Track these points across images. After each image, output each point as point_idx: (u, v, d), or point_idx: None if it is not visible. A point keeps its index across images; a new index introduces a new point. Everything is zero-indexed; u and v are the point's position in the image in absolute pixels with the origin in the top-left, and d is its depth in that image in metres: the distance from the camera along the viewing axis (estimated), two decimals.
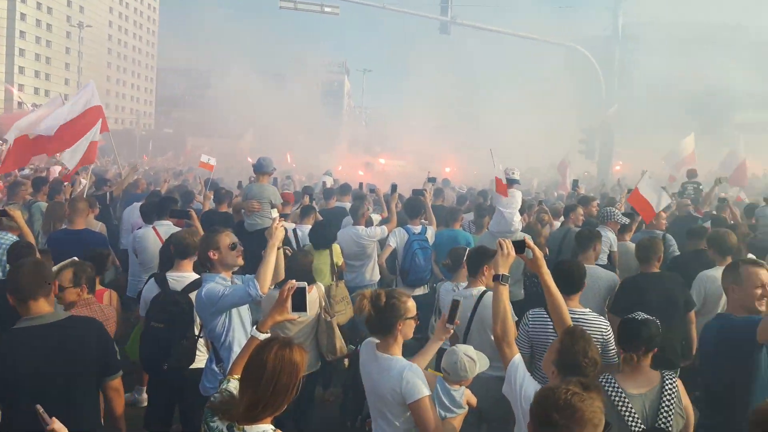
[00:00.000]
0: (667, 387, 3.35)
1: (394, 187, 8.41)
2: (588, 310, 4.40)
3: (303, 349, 2.59)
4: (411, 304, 3.45)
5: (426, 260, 7.17)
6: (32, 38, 77.73)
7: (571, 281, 4.35)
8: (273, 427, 2.54)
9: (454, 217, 8.00)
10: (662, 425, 3.23)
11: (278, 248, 4.21)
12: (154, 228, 7.06)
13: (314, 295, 5.15)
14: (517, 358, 3.25)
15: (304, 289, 3.23)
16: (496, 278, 3.39)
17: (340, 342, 5.13)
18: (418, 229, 7.40)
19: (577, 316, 4.07)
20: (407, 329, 3.43)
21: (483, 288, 4.85)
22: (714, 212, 9.41)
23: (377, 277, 7.76)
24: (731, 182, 14.05)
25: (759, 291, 3.64)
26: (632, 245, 6.76)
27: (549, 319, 4.07)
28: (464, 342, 4.74)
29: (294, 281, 3.35)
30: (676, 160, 15.86)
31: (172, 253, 5.10)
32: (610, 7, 23.14)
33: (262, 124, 34.51)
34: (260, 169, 7.97)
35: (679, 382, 3.42)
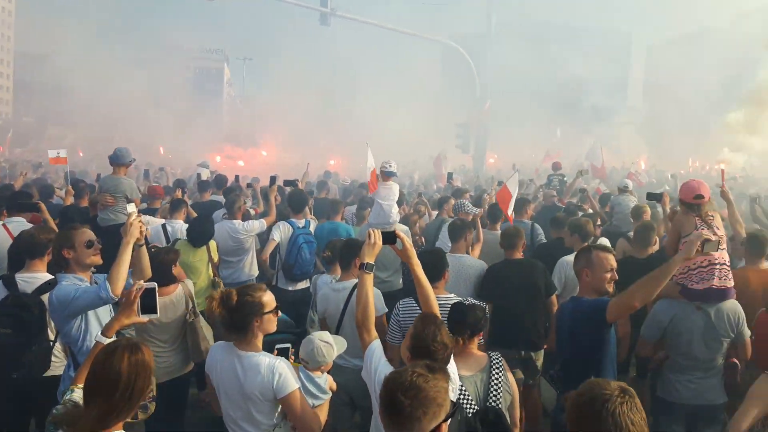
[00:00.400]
0: (494, 367, 3.57)
1: (273, 179, 8.21)
2: (453, 295, 4.57)
3: (148, 347, 2.48)
4: (267, 298, 3.35)
5: (311, 254, 7.03)
6: None
7: (432, 270, 4.43)
8: None
9: (335, 209, 7.99)
10: (492, 403, 3.43)
11: (140, 246, 3.98)
12: (4, 225, 6.43)
13: (179, 294, 4.82)
14: (375, 343, 3.25)
15: (154, 289, 3.11)
16: (361, 266, 3.41)
17: (205, 343, 4.83)
18: (302, 222, 7.24)
19: (442, 302, 4.17)
20: (267, 325, 3.35)
21: (355, 280, 4.85)
22: (577, 202, 10.15)
23: (256, 272, 7.56)
24: (594, 174, 15.19)
25: (608, 275, 3.95)
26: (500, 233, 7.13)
27: (418, 308, 4.13)
28: (337, 334, 4.75)
29: (142, 282, 3.21)
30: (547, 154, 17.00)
31: (23, 252, 4.63)
32: (483, 6, 24.15)
33: (134, 112, 32.50)
34: (116, 160, 7.26)
35: (503, 361, 3.66)
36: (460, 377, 3.40)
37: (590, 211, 9.08)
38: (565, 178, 14.44)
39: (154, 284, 3.11)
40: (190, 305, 4.87)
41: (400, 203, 8.26)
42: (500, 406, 3.45)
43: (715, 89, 28.44)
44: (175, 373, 4.84)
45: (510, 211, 7.79)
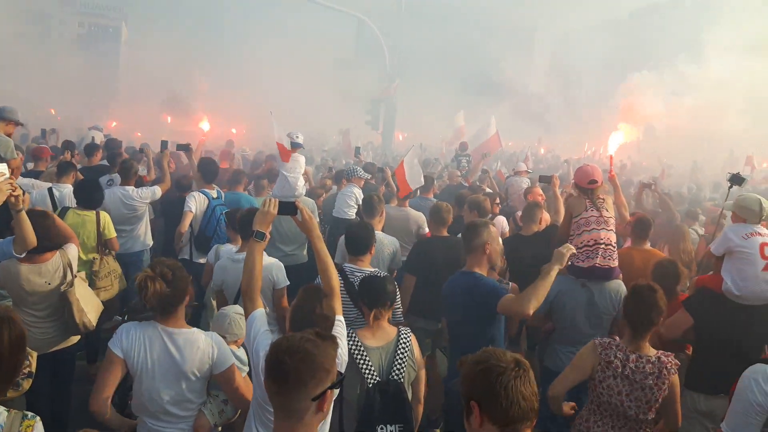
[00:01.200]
0: (402, 341, 3.61)
1: (164, 144, 7.83)
2: (377, 270, 4.62)
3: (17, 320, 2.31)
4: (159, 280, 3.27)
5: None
6: None
7: (360, 243, 4.56)
8: (5, 408, 2.25)
9: (237, 179, 7.76)
10: (395, 377, 3.47)
11: (18, 211, 3.73)
12: None
13: (56, 263, 4.46)
14: (256, 312, 3.17)
15: None
16: (252, 234, 3.31)
17: (81, 315, 4.49)
18: (214, 192, 7.04)
19: (366, 274, 4.23)
20: (188, 298, 3.34)
21: None
22: (478, 182, 10.46)
23: (150, 241, 7.25)
24: (483, 149, 15.44)
25: (500, 248, 4.13)
26: (410, 210, 7.23)
27: (340, 279, 4.16)
28: (235, 305, 4.66)
29: None
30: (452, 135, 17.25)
31: None
32: None
33: (20, 68, 29.81)
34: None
35: (413, 337, 3.70)
36: (366, 348, 3.45)
37: (489, 190, 9.39)
38: (471, 159, 14.76)
39: None
40: (69, 275, 4.51)
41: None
42: (402, 380, 3.49)
43: (609, 79, 30.20)
44: (56, 345, 4.56)
45: (413, 186, 7.89)
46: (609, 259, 4.64)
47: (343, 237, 5.04)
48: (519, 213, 7.10)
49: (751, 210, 4.45)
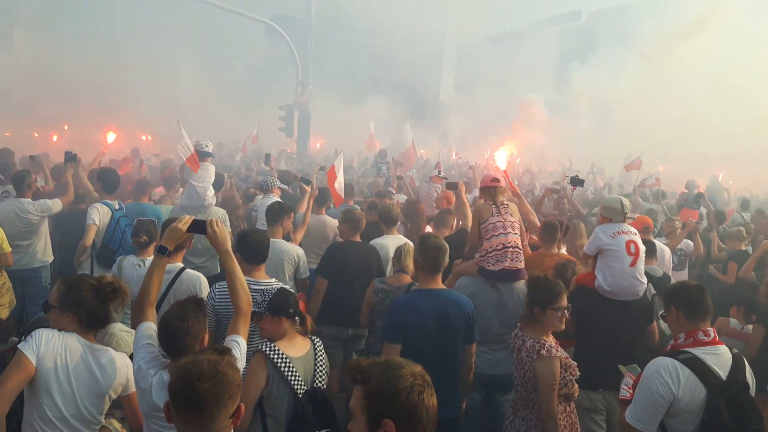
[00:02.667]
0: (318, 349, 3.69)
1: (68, 156, 7.41)
2: (274, 280, 4.60)
3: None
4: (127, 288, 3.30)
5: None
6: None
7: (255, 252, 4.50)
8: None
9: (142, 190, 7.49)
10: (319, 383, 3.56)
11: None
12: None
13: None
14: (143, 324, 3.14)
15: None
16: (157, 248, 3.25)
17: None
18: (116, 204, 6.73)
19: (263, 287, 4.18)
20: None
21: (180, 264, 4.69)
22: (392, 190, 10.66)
23: (50, 257, 6.84)
24: (401, 158, 15.76)
25: None
26: (327, 217, 7.32)
27: None
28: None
29: None
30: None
31: None
32: None
33: None
34: None
35: (321, 343, 3.79)
36: (291, 359, 3.46)
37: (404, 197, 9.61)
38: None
39: None
40: None
41: (216, 187, 8.00)
42: (325, 386, 3.59)
43: (516, 88, 31.62)
44: None
45: (341, 193, 7.99)
46: (516, 261, 4.89)
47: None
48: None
49: (614, 209, 4.91)
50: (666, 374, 3.10)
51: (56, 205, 6.71)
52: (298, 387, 3.41)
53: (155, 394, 2.92)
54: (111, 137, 10.97)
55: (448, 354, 4.03)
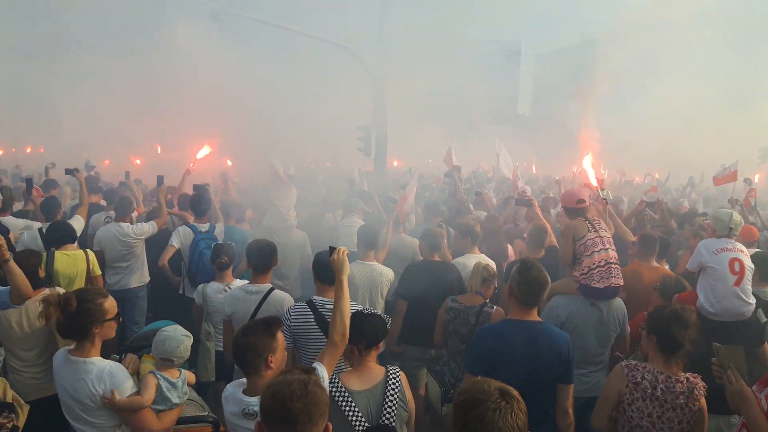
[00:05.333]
0: (390, 382, 3.40)
1: (160, 180, 7.82)
2: (354, 303, 4.53)
3: None
4: (109, 305, 3.35)
5: None
6: None
7: (327, 271, 4.43)
8: None
9: (230, 213, 7.74)
10: (386, 420, 3.27)
11: (6, 261, 3.70)
12: None
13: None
14: None
15: None
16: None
17: None
18: (205, 227, 6.93)
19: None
20: (106, 330, 3.34)
21: (270, 285, 4.79)
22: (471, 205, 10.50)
23: (147, 278, 7.17)
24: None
25: None
26: (405, 236, 7.30)
27: (310, 313, 4.17)
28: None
29: None
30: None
31: None
32: (377, 13, 24.25)
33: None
34: None
35: (402, 376, 3.49)
36: (351, 392, 3.30)
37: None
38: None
39: None
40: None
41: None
42: (394, 423, 3.32)
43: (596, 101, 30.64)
44: (47, 390, 4.32)
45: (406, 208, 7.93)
46: (619, 277, 4.68)
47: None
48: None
49: (720, 220, 4.69)
50: None
51: (152, 228, 7.05)
52: (357, 423, 3.24)
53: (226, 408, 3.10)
54: (204, 151, 11.05)
55: (536, 393, 3.54)
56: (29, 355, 4.43)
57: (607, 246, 4.75)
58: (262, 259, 4.83)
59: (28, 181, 8.50)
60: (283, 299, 4.70)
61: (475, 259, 6.10)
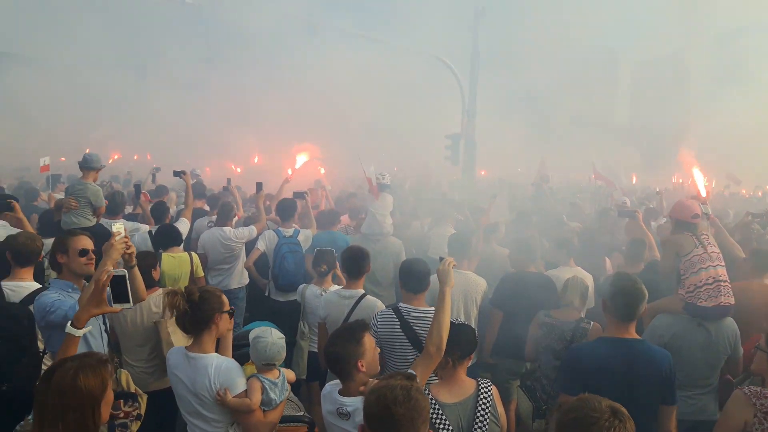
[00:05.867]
0: (482, 395, 3.31)
1: (259, 186, 8.18)
2: (434, 308, 4.51)
3: (104, 372, 2.27)
4: (225, 299, 3.48)
5: (297, 264, 6.94)
6: None
7: (417, 283, 4.42)
8: None
9: (332, 220, 7.93)
10: None
11: (131, 267, 3.85)
12: None
13: (157, 298, 4.76)
14: None
15: (124, 277, 2.92)
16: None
17: (168, 347, 4.63)
18: (289, 232, 7.19)
19: (422, 314, 4.25)
20: (224, 324, 3.44)
21: (362, 291, 4.89)
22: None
23: (246, 280, 7.50)
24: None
25: None
26: (496, 247, 7.20)
27: (396, 319, 4.22)
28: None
29: (111, 267, 3.09)
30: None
31: (9, 259, 4.57)
32: (470, 26, 24.12)
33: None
34: (84, 165, 7.19)
35: (494, 389, 3.40)
36: (441, 405, 3.26)
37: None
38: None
39: (124, 271, 2.91)
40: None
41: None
42: None
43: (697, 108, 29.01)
44: (157, 384, 4.76)
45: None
46: (729, 295, 4.41)
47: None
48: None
49: None
50: None
51: (252, 232, 7.38)
52: None
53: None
54: (301, 160, 11.34)
55: (635, 414, 3.47)
56: (141, 350, 4.80)
57: (716, 263, 4.49)
58: (355, 266, 4.94)
59: (137, 187, 9.14)
60: (374, 305, 4.80)
61: (570, 272, 5.95)
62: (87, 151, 7.29)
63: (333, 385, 3.32)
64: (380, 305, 4.82)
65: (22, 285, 4.46)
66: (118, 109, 32.16)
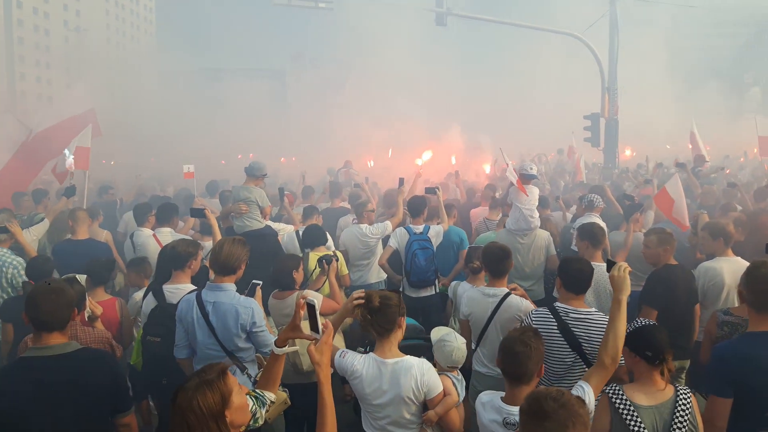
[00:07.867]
0: (681, 401, 3.17)
1: (401, 181, 8.25)
2: (594, 310, 4.29)
3: (223, 385, 2.28)
4: (400, 300, 3.50)
5: (427, 261, 6.89)
6: (31, 44, 77.25)
7: (576, 282, 4.24)
8: None
9: (446, 212, 7.69)
10: None
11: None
12: (154, 235, 7.06)
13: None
14: None
15: (313, 306, 2.91)
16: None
17: (295, 358, 4.74)
18: (420, 228, 7.15)
19: (582, 316, 4.09)
20: (403, 326, 3.46)
21: (506, 289, 4.80)
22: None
23: (383, 275, 7.63)
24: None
25: None
26: (639, 234, 6.73)
27: (552, 319, 4.11)
28: (479, 341, 4.71)
29: (304, 294, 3.24)
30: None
31: (169, 262, 5.07)
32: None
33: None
34: (248, 172, 7.68)
35: (693, 399, 3.23)
36: (636, 407, 3.14)
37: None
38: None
39: (314, 300, 2.93)
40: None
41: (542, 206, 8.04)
42: None
43: None
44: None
45: (679, 214, 7.32)
46: None
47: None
48: None
49: None
50: None
51: (387, 227, 7.49)
52: None
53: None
54: (427, 155, 11.51)
55: None
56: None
57: None
58: (497, 265, 4.88)
59: (281, 190, 9.68)
60: (520, 305, 4.72)
61: (729, 263, 5.44)
62: (251, 156, 7.86)
63: (491, 394, 3.30)
64: (526, 305, 4.73)
65: (179, 287, 4.91)
66: (260, 115, 34.38)
